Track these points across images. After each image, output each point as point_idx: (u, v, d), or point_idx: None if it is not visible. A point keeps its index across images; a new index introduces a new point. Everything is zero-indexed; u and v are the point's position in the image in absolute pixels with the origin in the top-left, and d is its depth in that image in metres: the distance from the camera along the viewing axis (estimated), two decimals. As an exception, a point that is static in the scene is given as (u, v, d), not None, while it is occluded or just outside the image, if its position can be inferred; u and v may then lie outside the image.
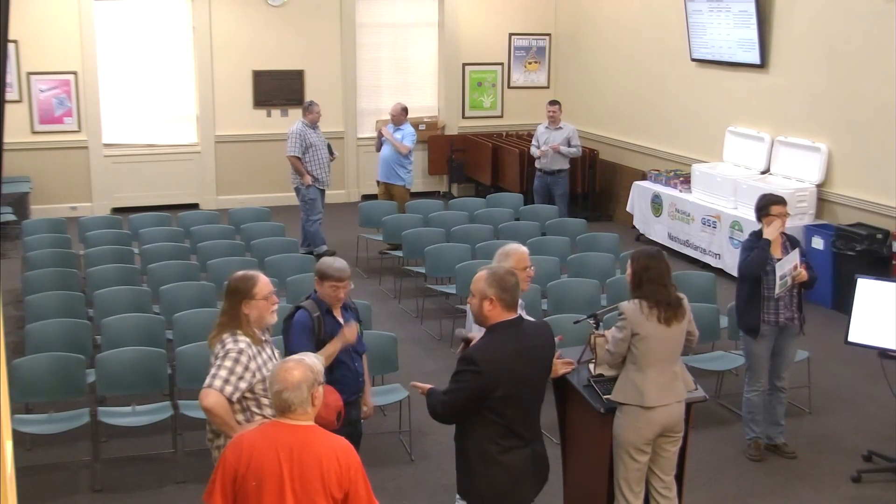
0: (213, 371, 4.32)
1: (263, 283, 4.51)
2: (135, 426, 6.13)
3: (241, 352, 4.34)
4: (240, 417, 4.39)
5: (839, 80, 9.59)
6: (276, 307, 4.56)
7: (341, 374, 5.03)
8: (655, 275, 4.78)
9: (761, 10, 10.38)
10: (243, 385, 4.32)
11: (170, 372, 6.37)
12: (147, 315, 7.06)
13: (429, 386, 4.43)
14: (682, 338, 4.86)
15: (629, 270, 4.90)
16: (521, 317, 4.32)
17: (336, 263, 5.13)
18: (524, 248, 5.31)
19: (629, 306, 4.80)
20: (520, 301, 4.44)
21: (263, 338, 4.52)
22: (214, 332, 4.48)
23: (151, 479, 6.04)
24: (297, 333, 4.99)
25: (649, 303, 4.75)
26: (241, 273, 4.60)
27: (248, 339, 4.40)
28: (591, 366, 5.06)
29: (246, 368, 4.32)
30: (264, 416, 4.34)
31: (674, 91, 12.16)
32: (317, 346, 4.89)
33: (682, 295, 4.91)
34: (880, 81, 9.07)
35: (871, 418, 6.94)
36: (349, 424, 4.87)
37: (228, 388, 4.29)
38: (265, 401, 4.37)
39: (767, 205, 6.20)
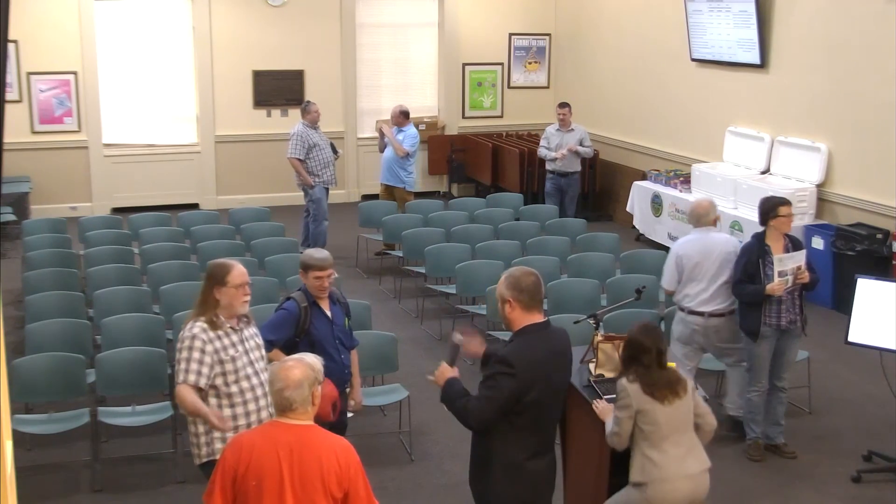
0: (177, 368, 4.40)
1: (238, 272, 4.55)
2: (135, 426, 6.14)
3: (193, 337, 4.40)
4: (227, 412, 4.48)
5: (839, 80, 9.58)
6: (247, 298, 4.60)
7: (326, 367, 5.03)
8: (638, 353, 4.48)
9: (761, 10, 10.37)
10: (206, 369, 4.37)
11: (170, 372, 6.34)
12: (147, 315, 7.07)
13: (448, 374, 4.19)
14: (690, 411, 4.53)
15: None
16: (548, 321, 4.20)
17: (317, 253, 5.19)
18: (708, 198, 6.13)
19: (631, 384, 4.50)
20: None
21: (236, 326, 4.55)
22: (190, 314, 4.57)
23: (151, 479, 6.04)
24: (277, 316, 5.13)
25: (642, 385, 4.46)
26: (219, 259, 4.70)
27: (204, 325, 4.44)
28: (592, 366, 5.06)
29: (203, 352, 4.38)
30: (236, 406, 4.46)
31: (674, 91, 12.15)
32: (300, 335, 5.06)
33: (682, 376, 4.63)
34: (880, 81, 9.07)
35: (871, 418, 6.93)
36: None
37: (192, 377, 4.37)
38: (236, 392, 4.44)
39: (774, 206, 6.19)
